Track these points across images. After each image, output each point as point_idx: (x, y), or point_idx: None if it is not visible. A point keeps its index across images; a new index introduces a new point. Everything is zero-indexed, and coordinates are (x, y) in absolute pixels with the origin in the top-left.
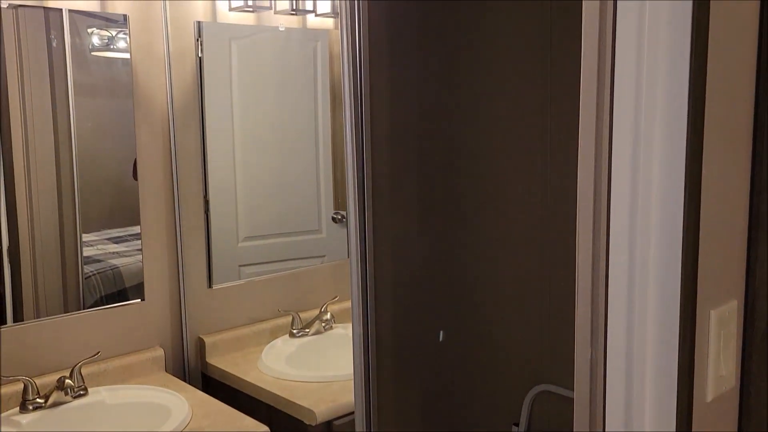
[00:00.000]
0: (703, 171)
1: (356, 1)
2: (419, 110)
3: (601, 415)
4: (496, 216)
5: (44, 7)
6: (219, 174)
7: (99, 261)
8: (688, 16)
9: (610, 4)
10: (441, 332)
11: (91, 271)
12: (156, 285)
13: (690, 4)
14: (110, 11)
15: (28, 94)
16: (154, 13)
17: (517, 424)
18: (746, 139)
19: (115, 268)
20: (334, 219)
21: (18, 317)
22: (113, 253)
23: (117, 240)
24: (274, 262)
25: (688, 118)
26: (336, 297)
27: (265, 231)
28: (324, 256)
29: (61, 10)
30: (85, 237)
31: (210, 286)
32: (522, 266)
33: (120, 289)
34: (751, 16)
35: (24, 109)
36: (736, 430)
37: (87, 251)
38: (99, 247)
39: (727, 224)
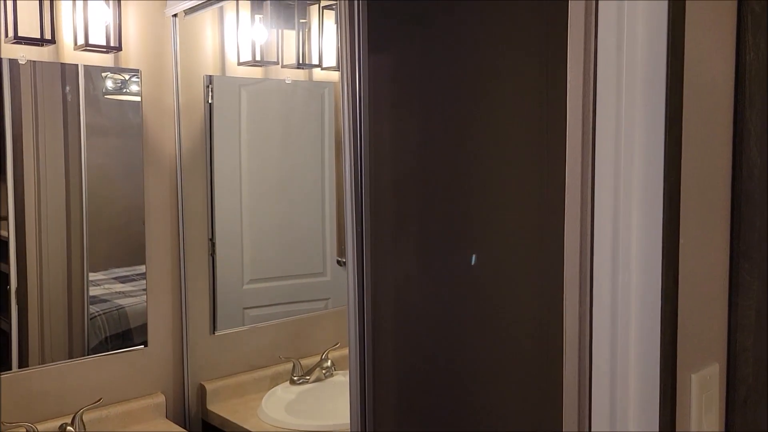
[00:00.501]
0: (681, 238)
1: (357, 54)
2: (420, 159)
3: None
4: (498, 258)
5: (61, 63)
6: (226, 216)
7: (105, 301)
8: (662, 76)
9: (591, 68)
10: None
11: (97, 312)
12: (159, 330)
13: (664, 63)
14: (123, 65)
15: (42, 138)
16: (165, 68)
17: None
18: (725, 206)
19: (120, 308)
20: (339, 262)
21: (23, 362)
22: (119, 292)
23: (123, 279)
24: (279, 305)
25: (664, 190)
26: (337, 344)
27: (271, 273)
28: (329, 298)
29: (77, 65)
30: (92, 276)
31: (213, 332)
32: (527, 315)
33: (125, 330)
34: (727, 73)
35: (37, 152)
36: None
37: (93, 290)
38: (105, 286)
39: (706, 289)
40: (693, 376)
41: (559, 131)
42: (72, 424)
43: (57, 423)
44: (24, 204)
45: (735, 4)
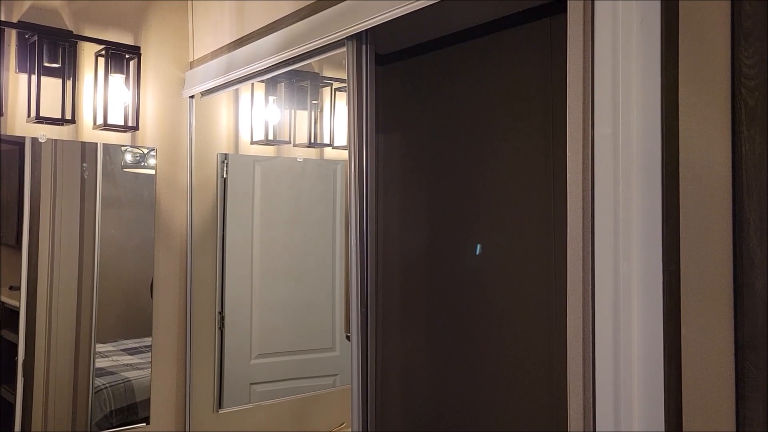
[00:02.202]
0: (683, 328)
1: (365, 134)
2: (426, 236)
3: None
4: (506, 330)
5: (81, 141)
6: (236, 289)
7: (112, 373)
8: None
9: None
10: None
11: (103, 384)
12: (162, 407)
13: (659, 150)
14: (140, 143)
15: (59, 210)
16: (180, 146)
17: None
18: (727, 296)
19: (127, 381)
20: (347, 337)
21: None
22: (127, 365)
23: (132, 351)
24: (287, 380)
25: (663, 279)
26: (343, 424)
27: (279, 348)
28: (337, 375)
29: (96, 143)
30: (101, 347)
31: (216, 410)
32: (532, 372)
33: (130, 404)
34: (724, 164)
35: (53, 223)
36: None
37: (101, 362)
38: (113, 358)
39: (711, 382)
40: None
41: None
42: None
43: None
44: (37, 274)
45: (729, 96)
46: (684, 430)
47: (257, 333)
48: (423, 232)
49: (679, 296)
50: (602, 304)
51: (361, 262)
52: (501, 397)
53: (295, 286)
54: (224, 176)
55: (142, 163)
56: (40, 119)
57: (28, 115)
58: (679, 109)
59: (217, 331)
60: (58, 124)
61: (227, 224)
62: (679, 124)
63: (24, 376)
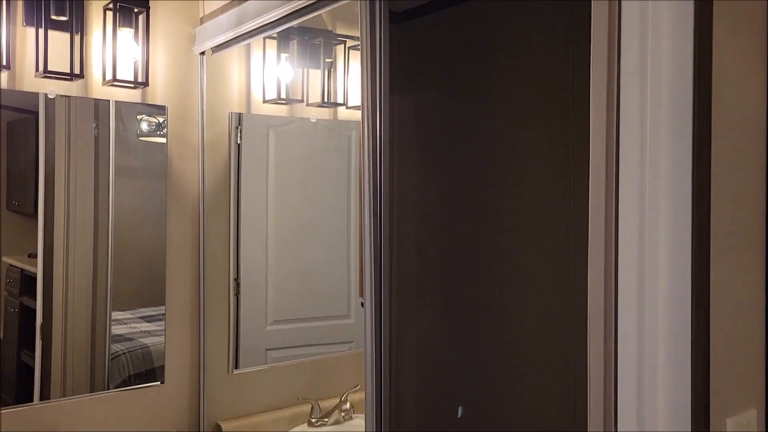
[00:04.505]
0: (712, 272)
1: (378, 96)
2: (441, 201)
3: None
4: (520, 302)
5: (93, 98)
6: (251, 257)
7: (130, 339)
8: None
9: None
10: (460, 408)
11: (121, 350)
12: (177, 367)
13: (690, 106)
14: (150, 101)
15: (74, 177)
16: (191, 104)
17: None
18: (760, 240)
19: (145, 347)
20: (362, 304)
21: (45, 395)
22: (144, 331)
23: (149, 318)
24: (302, 347)
25: (692, 221)
26: (357, 386)
27: (294, 315)
28: (352, 341)
29: (108, 101)
30: (118, 315)
31: (230, 371)
32: (550, 346)
33: (148, 369)
34: (759, 104)
35: (68, 191)
36: None
37: (119, 329)
38: (131, 325)
39: (743, 331)
40: (728, 420)
41: (586, 181)
42: None
43: None
44: (53, 241)
45: (764, 34)
46: (712, 375)
47: (273, 300)
48: (439, 198)
49: (709, 237)
50: (627, 234)
51: (374, 226)
52: (516, 367)
53: (311, 253)
54: (238, 142)
55: (159, 132)
56: (48, 73)
57: (36, 69)
58: (713, 49)
59: (234, 297)
60: (67, 79)
61: (241, 190)
62: (713, 65)
63: (42, 339)
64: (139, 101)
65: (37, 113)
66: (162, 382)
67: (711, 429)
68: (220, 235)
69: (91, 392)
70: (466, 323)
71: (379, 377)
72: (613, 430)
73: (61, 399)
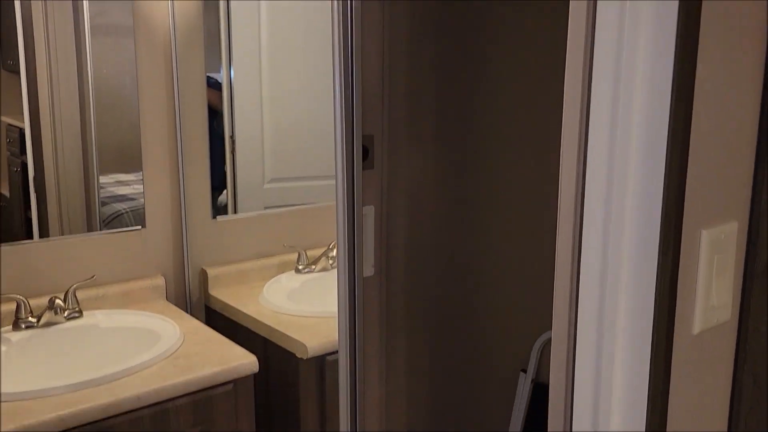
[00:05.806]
0: (698, 67)
1: None
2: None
3: (573, 344)
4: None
5: None
6: (246, 115)
7: (133, 199)
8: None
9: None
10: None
11: (123, 209)
12: (157, 213)
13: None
14: None
15: (52, 33)
16: None
17: (524, 371)
18: (762, 42)
19: (136, 209)
20: None
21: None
22: (142, 193)
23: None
24: (301, 205)
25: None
26: None
27: (292, 173)
28: None
29: None
30: (122, 177)
31: (214, 217)
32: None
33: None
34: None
35: (48, 46)
36: (732, 368)
37: (121, 189)
38: (134, 186)
39: (727, 134)
40: (704, 231)
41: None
42: (63, 299)
43: (48, 299)
44: (38, 96)
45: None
46: (688, 179)
47: (269, 158)
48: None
49: (698, 35)
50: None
51: (345, 94)
52: (501, 224)
53: (307, 112)
54: None
55: None
56: None
57: None
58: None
59: (230, 155)
60: None
61: (233, 46)
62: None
63: (36, 191)
64: None
65: None
66: (143, 227)
67: (683, 237)
68: (195, 70)
69: (71, 233)
70: (453, 165)
71: (352, 230)
72: (578, 236)
73: (40, 240)
